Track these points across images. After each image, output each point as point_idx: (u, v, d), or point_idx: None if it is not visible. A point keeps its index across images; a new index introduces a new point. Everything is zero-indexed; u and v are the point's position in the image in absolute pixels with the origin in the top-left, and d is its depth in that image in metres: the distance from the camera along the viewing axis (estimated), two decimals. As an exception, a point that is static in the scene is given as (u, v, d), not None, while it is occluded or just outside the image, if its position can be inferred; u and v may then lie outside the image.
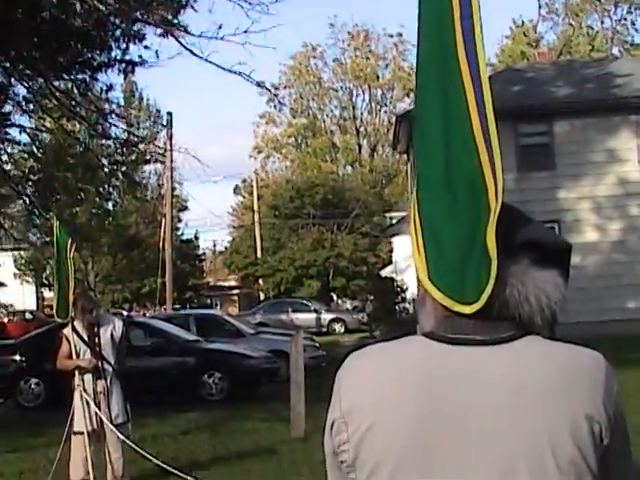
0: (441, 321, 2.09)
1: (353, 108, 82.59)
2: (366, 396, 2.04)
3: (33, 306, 63.02)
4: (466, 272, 2.02)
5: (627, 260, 31.11)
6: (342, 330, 45.21)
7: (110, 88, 22.97)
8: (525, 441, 1.96)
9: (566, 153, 31.63)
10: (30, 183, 25.19)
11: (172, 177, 42.46)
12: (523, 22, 70.21)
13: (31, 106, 23.01)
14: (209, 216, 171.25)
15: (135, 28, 20.80)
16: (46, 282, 61.36)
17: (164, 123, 42.71)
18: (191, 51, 20.52)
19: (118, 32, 20.86)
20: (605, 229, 31.52)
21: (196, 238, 73.02)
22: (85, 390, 10.28)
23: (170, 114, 40.38)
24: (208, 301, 69.89)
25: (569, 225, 30.58)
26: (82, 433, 10.20)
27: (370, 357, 2.14)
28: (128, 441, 10.49)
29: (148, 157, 29.81)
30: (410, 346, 2.12)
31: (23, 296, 62.70)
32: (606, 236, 31.43)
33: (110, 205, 47.96)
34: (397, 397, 2.01)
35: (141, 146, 28.63)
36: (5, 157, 25.24)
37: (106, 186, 35.55)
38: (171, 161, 39.35)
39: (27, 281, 64.75)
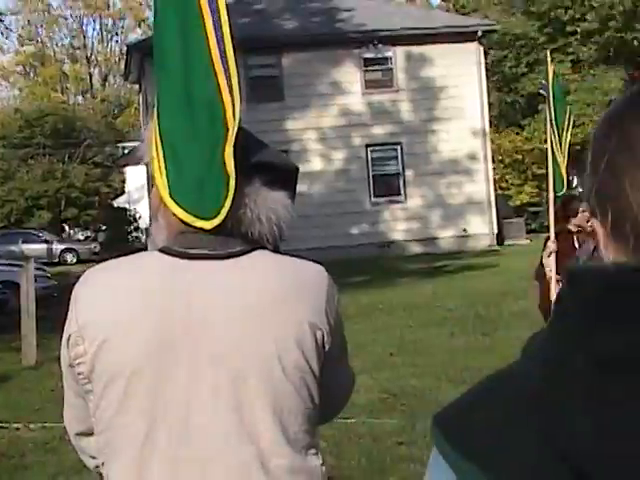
0: (176, 237, 2.13)
1: (84, 37, 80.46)
2: (102, 310, 2.06)
3: None
4: (206, 189, 2.08)
5: (350, 188, 32.05)
6: (74, 260, 44.21)
7: None
8: (254, 348, 2.06)
9: (294, 85, 32.09)
10: None
11: None
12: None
13: None
14: None
15: None
16: None
17: None
18: None
19: None
20: (330, 158, 32.31)
21: None
22: None
23: None
24: None
25: (296, 154, 31.03)
26: None
27: (106, 272, 2.17)
28: None
29: None
30: (145, 261, 2.17)
31: None
32: (331, 165, 32.24)
33: None
34: (132, 311, 2.05)
35: None
36: None
37: None
38: None
39: None
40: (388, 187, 32.66)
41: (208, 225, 2.08)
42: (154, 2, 2.21)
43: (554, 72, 8.39)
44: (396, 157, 32.92)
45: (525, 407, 1.00)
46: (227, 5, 2.15)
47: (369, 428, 8.63)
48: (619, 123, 1.04)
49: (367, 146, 32.64)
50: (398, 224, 32.65)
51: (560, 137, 8.03)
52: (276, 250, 2.21)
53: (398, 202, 32.83)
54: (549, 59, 8.48)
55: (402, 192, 32.94)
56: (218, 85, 2.11)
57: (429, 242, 32.41)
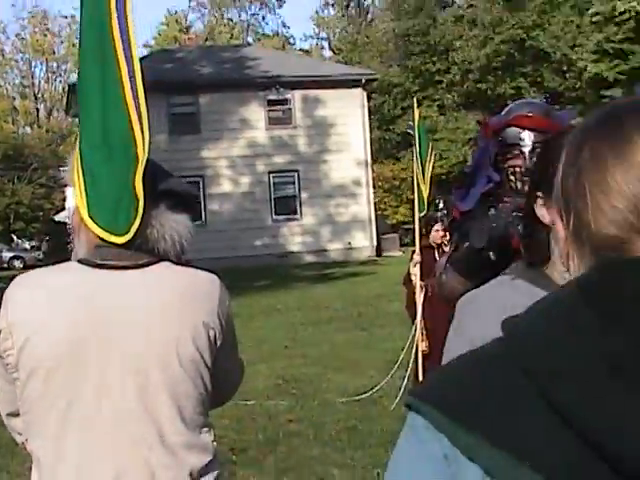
0: (93, 250, 2.13)
1: (32, 77, 79.02)
2: (26, 311, 2.04)
3: None
4: (119, 210, 2.08)
5: (255, 207, 32.03)
6: (21, 266, 43.19)
7: None
8: (156, 346, 2.05)
9: (209, 121, 31.95)
10: None
11: None
12: (176, 11, 70.92)
13: None
14: None
15: None
16: None
17: None
18: None
19: None
20: (238, 182, 32.20)
21: None
22: None
23: None
24: None
25: (210, 179, 30.99)
26: None
27: (33, 278, 2.15)
28: None
29: None
30: (67, 270, 2.15)
31: None
32: (239, 188, 32.13)
33: None
34: (51, 312, 2.03)
35: None
36: None
37: None
38: None
39: None
40: (287, 207, 32.64)
41: (120, 240, 2.08)
42: (78, 51, 2.19)
43: (420, 115, 8.49)
44: (294, 182, 32.93)
45: (527, 378, 0.88)
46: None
47: (265, 409, 8.62)
48: (589, 138, 0.97)
49: (269, 172, 32.59)
50: (295, 238, 32.67)
51: (423, 168, 8.11)
52: (179, 261, 2.20)
53: (295, 220, 32.84)
54: (415, 105, 8.58)
55: (298, 211, 32.96)
56: (130, 122, 2.10)
57: (320, 253, 32.50)
